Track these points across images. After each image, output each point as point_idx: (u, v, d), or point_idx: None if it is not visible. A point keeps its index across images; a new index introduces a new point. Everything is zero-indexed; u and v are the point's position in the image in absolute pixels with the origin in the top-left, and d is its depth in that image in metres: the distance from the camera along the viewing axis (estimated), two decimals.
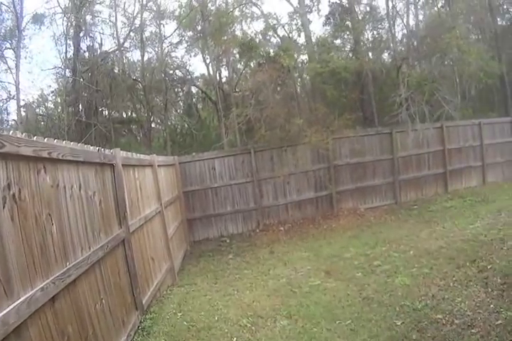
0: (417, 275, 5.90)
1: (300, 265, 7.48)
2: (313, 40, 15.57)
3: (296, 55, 12.00)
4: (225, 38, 13.82)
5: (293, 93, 12.18)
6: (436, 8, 16.82)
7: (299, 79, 13.62)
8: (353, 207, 11.84)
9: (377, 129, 12.81)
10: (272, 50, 14.32)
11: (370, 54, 15.04)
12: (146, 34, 16.33)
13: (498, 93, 17.57)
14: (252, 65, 15.48)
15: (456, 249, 6.79)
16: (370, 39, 15.61)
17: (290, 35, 15.72)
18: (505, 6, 18.24)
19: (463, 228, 8.42)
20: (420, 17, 17.75)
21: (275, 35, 15.76)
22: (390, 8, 14.79)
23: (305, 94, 13.09)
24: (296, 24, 15.65)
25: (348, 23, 14.87)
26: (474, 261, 5.93)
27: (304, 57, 15.20)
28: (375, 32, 15.61)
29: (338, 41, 16.06)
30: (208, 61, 16.65)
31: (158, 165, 7.52)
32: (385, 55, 16.44)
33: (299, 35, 15.67)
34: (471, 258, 6.10)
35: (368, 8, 15.69)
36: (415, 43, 13.97)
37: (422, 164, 13.20)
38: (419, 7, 17.31)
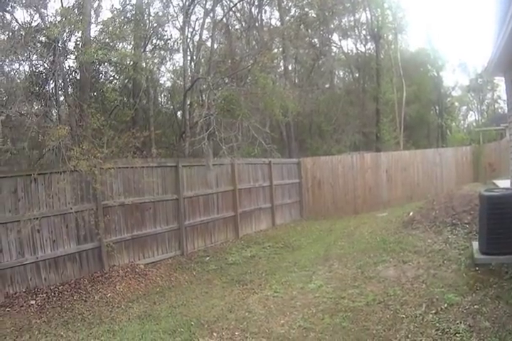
0: None
1: None
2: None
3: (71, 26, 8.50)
4: None
5: (55, 84, 8.72)
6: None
7: (72, 66, 10.42)
8: (131, 263, 8.88)
9: (160, 161, 10.40)
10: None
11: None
12: None
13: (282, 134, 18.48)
14: None
15: (333, 329, 4.98)
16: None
17: None
18: None
19: (302, 289, 6.78)
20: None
21: None
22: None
23: (75, 89, 9.88)
24: None
25: None
26: None
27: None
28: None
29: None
30: None
31: None
32: None
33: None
34: None
35: None
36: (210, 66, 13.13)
37: (210, 206, 11.59)
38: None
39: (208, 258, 10.09)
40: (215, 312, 6.23)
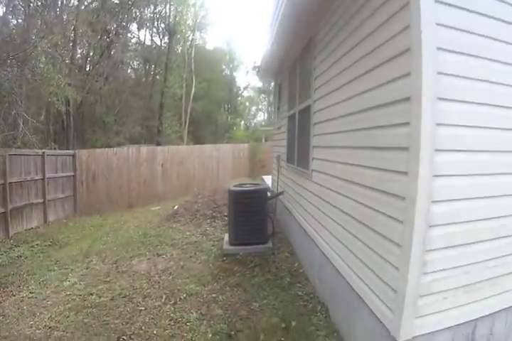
0: None
1: None
2: None
3: None
4: None
5: None
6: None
7: None
8: None
9: None
10: None
11: None
12: None
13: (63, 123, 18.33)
14: None
15: (75, 326, 5.34)
16: None
17: None
18: None
19: (56, 288, 7.02)
20: None
21: None
22: None
23: None
24: None
25: None
26: None
27: None
28: None
29: None
30: None
31: None
32: None
33: None
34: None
35: None
36: None
37: None
38: None
39: None
40: None
